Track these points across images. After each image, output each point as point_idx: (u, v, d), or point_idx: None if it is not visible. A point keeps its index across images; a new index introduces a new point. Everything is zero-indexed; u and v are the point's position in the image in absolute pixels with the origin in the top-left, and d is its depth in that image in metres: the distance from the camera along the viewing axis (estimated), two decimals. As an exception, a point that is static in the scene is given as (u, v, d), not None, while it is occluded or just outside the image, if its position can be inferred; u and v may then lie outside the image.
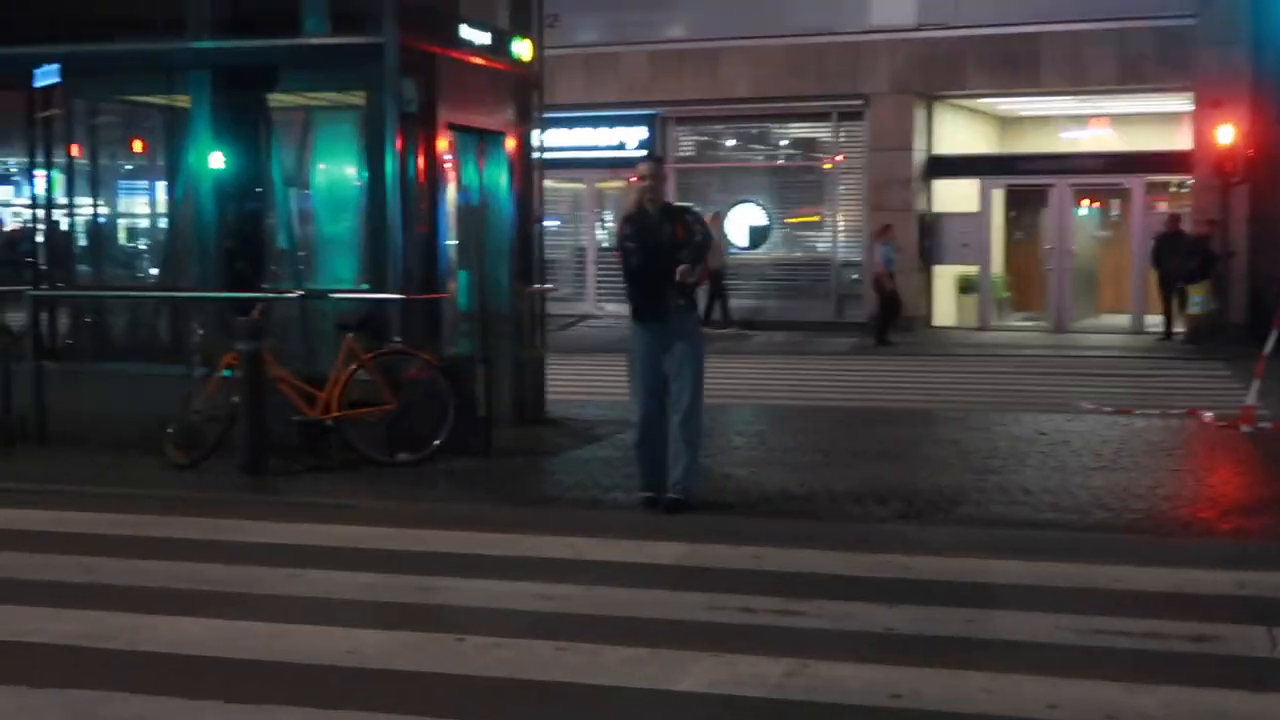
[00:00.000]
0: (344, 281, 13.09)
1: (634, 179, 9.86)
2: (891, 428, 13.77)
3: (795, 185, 28.74)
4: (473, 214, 13.79)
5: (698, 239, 9.53)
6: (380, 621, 7.10)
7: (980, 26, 26.02)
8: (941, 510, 9.67)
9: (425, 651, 6.58)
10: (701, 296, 23.90)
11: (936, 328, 26.95)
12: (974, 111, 29.16)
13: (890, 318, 24.31)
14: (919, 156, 27.12)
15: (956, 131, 28.30)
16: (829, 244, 28.09)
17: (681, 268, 9.36)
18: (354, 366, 11.39)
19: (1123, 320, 26.89)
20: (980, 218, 27.36)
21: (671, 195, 28.24)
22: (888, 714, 5.72)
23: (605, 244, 28.38)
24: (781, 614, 7.17)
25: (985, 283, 27.48)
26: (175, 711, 5.79)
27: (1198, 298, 24.01)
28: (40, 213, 13.67)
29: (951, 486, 10.48)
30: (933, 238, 27.13)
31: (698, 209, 11.20)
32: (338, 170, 13.99)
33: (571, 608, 7.36)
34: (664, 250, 9.45)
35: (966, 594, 7.57)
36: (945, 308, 27.72)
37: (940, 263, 27.33)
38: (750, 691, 5.99)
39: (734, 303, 27.12)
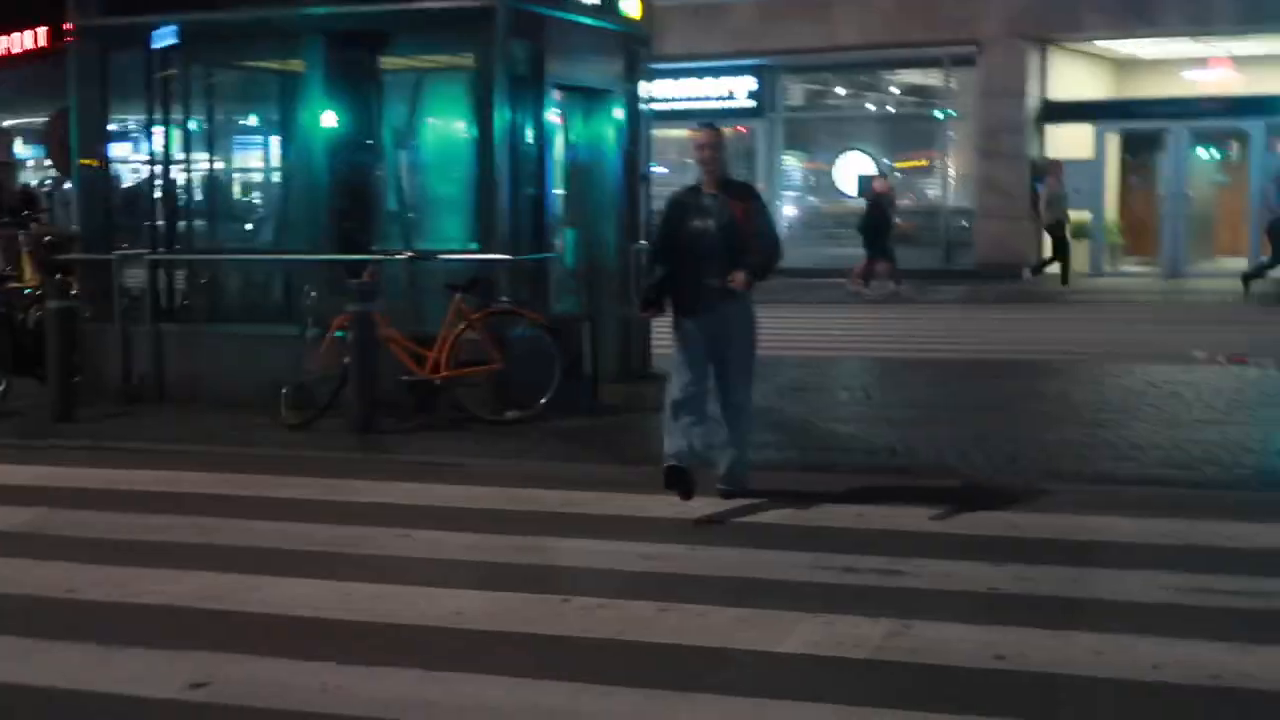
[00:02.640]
0: (453, 241, 13.20)
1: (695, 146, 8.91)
2: (999, 381, 13.67)
3: (906, 133, 28.50)
4: (580, 171, 13.87)
5: (766, 241, 8.68)
6: (487, 582, 7.22)
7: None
8: (1048, 466, 9.62)
9: (530, 612, 6.69)
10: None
11: (1049, 275, 26.62)
12: (1089, 55, 28.67)
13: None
14: (1032, 102, 26.75)
15: (1071, 76, 27.85)
16: (939, 191, 27.85)
17: (738, 277, 8.43)
18: (462, 326, 11.52)
19: (1239, 265, 26.39)
20: (1094, 164, 26.96)
21: (780, 143, 28.48)
22: (992, 676, 5.73)
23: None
24: (885, 573, 7.20)
25: (1098, 229, 27.12)
26: (290, 673, 5.92)
27: None
28: (157, 174, 13.93)
29: (1058, 442, 10.41)
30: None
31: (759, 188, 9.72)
32: (447, 131, 14.09)
33: (676, 568, 7.44)
34: (707, 237, 8.59)
35: (1072, 552, 7.54)
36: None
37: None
38: (852, 653, 6.03)
39: (845, 251, 26.92)
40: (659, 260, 8.96)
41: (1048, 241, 25.69)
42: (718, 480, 8.95)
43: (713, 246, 8.58)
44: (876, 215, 24.12)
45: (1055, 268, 25.13)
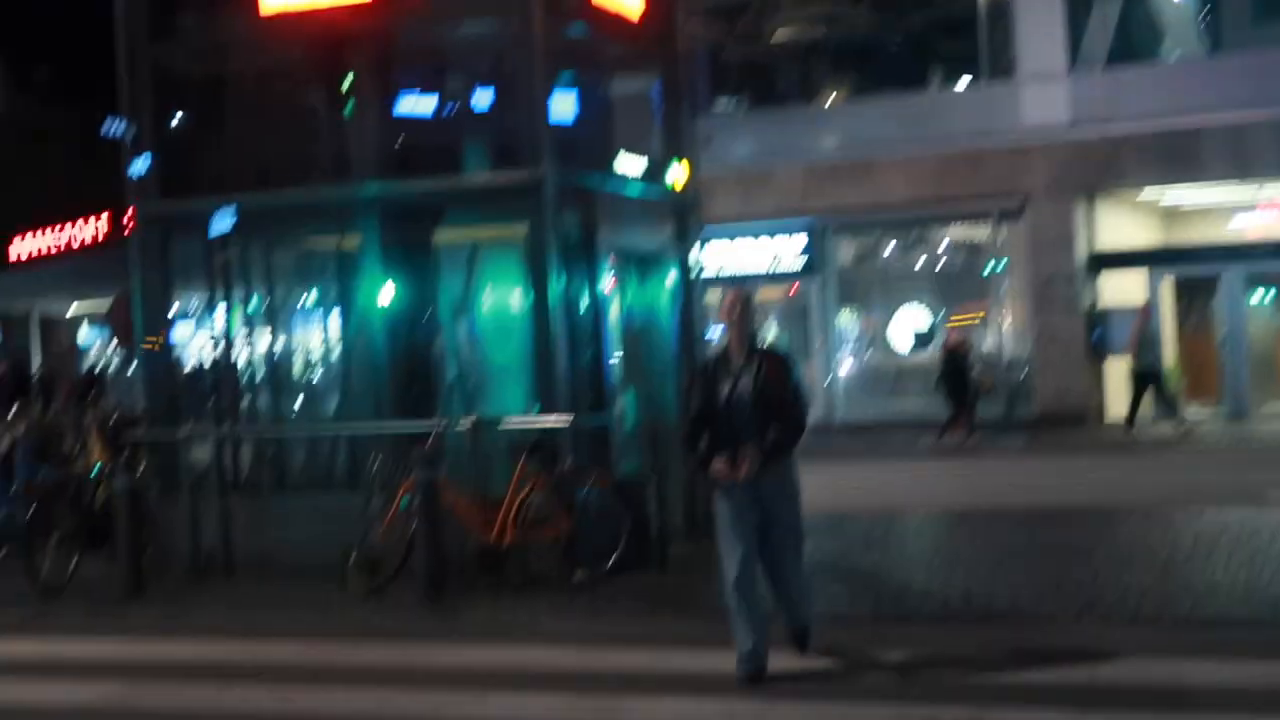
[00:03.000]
0: (514, 407, 13.29)
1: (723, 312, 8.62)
2: (1071, 527, 13.47)
3: (958, 287, 28.56)
4: (637, 334, 13.96)
5: (792, 410, 8.45)
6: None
7: (1137, 119, 25.68)
8: (1128, 610, 9.46)
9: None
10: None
11: (1111, 423, 26.43)
12: (1136, 204, 28.77)
13: None
14: (1081, 252, 26.79)
15: (1120, 225, 27.90)
16: (995, 343, 27.84)
17: (744, 465, 8.25)
18: (528, 489, 11.53)
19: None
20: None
21: (834, 301, 28.62)
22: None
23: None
24: (970, 724, 7.08)
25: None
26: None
27: None
28: (220, 351, 14.12)
29: (1136, 585, 10.23)
30: (1102, 331, 26.68)
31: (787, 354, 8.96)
32: (504, 299, 14.27)
33: (756, 724, 7.35)
34: (743, 403, 8.36)
35: (1159, 699, 7.40)
36: (1119, 402, 27.19)
37: (1112, 354, 26.76)
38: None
39: (907, 404, 26.89)
40: (699, 428, 8.48)
41: (1110, 386, 25.41)
42: (788, 635, 8.76)
43: (748, 411, 8.35)
44: (953, 369, 24.17)
45: (1124, 410, 24.75)
